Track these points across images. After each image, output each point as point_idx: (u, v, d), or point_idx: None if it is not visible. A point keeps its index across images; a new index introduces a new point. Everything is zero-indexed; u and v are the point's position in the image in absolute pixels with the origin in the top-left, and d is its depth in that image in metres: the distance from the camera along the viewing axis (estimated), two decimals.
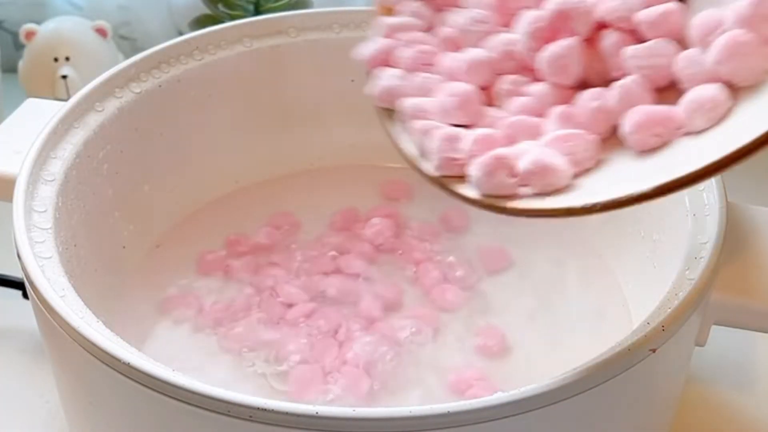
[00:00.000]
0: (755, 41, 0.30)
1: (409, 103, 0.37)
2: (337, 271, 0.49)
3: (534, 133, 0.34)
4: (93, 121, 0.46)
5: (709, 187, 0.42)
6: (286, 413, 0.32)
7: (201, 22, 0.71)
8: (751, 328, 0.41)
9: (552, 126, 0.34)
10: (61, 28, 0.67)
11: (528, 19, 0.35)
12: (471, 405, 0.32)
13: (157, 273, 0.49)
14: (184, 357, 0.45)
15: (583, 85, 0.35)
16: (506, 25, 0.37)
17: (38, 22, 0.67)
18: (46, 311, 0.37)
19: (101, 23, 0.67)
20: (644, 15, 0.33)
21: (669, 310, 0.36)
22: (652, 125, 0.31)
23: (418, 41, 0.38)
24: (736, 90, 0.31)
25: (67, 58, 0.66)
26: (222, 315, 0.47)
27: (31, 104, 0.50)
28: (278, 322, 0.46)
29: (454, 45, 0.38)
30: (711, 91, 0.31)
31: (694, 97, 0.31)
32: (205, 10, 0.71)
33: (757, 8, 0.30)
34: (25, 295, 0.51)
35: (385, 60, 0.39)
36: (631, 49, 0.33)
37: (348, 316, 0.46)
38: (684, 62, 0.32)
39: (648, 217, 0.46)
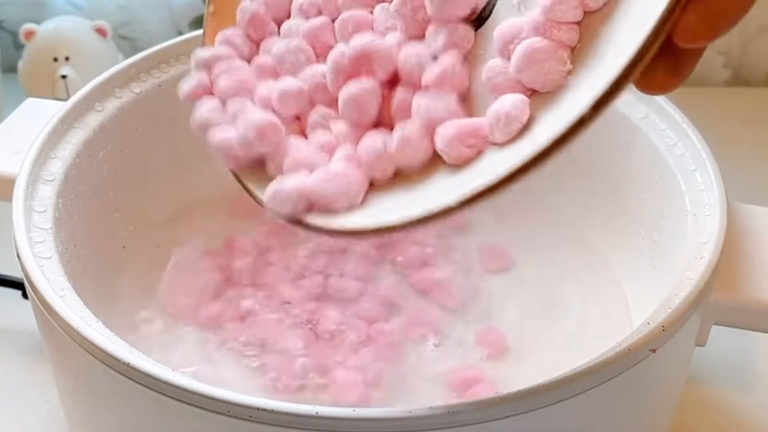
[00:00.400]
0: (550, 47, 0.31)
1: (213, 136, 0.36)
2: (338, 271, 0.49)
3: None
4: (93, 121, 0.46)
5: (709, 187, 0.42)
6: (286, 413, 0.32)
7: (201, 21, 0.71)
8: (751, 328, 0.41)
9: (335, 165, 0.34)
10: (61, 28, 0.67)
11: (332, 55, 0.36)
12: (471, 405, 0.32)
13: (157, 273, 0.49)
14: (184, 357, 0.45)
15: (379, 125, 0.35)
16: (323, 56, 0.37)
17: (38, 22, 0.67)
18: (46, 311, 0.37)
19: (101, 23, 0.67)
20: (426, 76, 0.33)
21: (669, 310, 0.36)
22: (465, 137, 0.32)
23: (235, 69, 0.38)
24: (539, 96, 0.31)
25: (67, 58, 0.66)
26: (222, 315, 0.47)
27: (31, 104, 0.50)
28: (278, 323, 0.46)
29: (272, 74, 0.38)
30: (507, 106, 0.31)
31: (493, 110, 0.31)
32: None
33: (548, 14, 0.31)
34: (25, 295, 0.51)
35: (205, 94, 0.38)
36: (416, 98, 0.33)
37: (348, 316, 0.46)
38: (490, 72, 0.32)
39: (648, 217, 0.46)
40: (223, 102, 0.37)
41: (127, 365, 0.33)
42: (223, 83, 0.37)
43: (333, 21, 0.38)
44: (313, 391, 0.43)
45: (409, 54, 0.34)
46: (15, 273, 0.53)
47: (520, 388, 0.33)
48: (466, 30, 0.34)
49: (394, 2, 0.35)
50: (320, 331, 0.46)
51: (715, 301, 0.39)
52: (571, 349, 0.45)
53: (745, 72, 0.73)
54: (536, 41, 0.31)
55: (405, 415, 0.32)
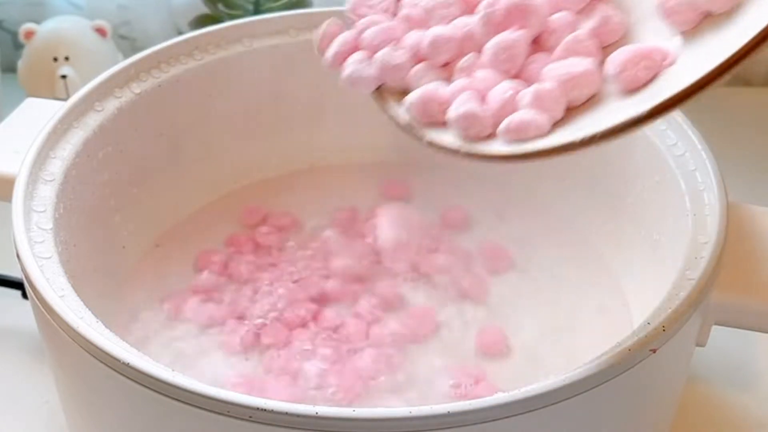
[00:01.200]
0: None
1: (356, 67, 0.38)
2: (337, 271, 0.49)
3: None
4: (93, 121, 0.46)
5: (709, 187, 0.42)
6: (286, 413, 0.32)
7: (201, 22, 0.71)
8: (751, 328, 0.41)
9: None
10: (61, 27, 0.67)
11: (484, 4, 0.37)
12: (471, 405, 0.32)
13: (157, 273, 0.49)
14: (184, 357, 0.45)
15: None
16: (469, 12, 0.39)
17: (37, 22, 0.67)
18: (46, 311, 0.37)
19: (101, 23, 0.67)
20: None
21: (669, 310, 0.36)
22: (639, 59, 0.33)
23: (380, 20, 0.39)
24: (714, 19, 0.32)
25: (67, 58, 0.66)
26: (222, 315, 0.47)
27: (31, 104, 0.50)
28: (278, 322, 0.46)
29: (420, 25, 0.39)
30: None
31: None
32: (205, 10, 0.71)
33: None
34: (25, 295, 0.51)
35: (348, 53, 0.40)
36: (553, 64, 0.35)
37: (348, 316, 0.46)
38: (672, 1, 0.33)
39: (648, 217, 0.46)
40: (370, 51, 0.39)
41: (127, 365, 0.33)
42: (370, 31, 0.39)
43: None
44: (313, 391, 0.43)
45: (558, 22, 0.36)
46: (15, 273, 0.53)
47: (520, 388, 0.33)
48: (619, 17, 0.35)
49: None
50: (320, 330, 0.46)
51: (715, 301, 0.39)
52: (571, 349, 0.45)
53: (745, 72, 0.73)
54: None
55: (405, 415, 0.32)
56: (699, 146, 0.44)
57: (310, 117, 0.55)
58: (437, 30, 0.38)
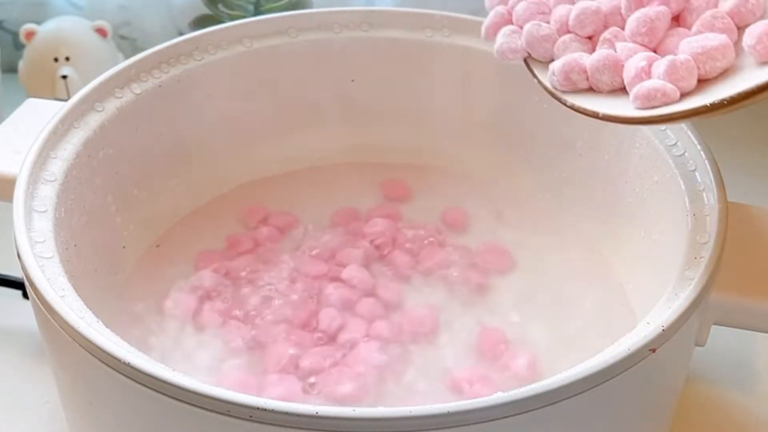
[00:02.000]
0: None
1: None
2: (337, 270, 0.49)
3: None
4: (93, 121, 0.46)
5: (709, 187, 0.42)
6: (286, 413, 0.32)
7: (201, 22, 0.71)
8: (751, 328, 0.41)
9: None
10: (61, 28, 0.67)
11: None
12: (471, 405, 0.32)
13: (157, 273, 0.49)
14: (184, 356, 0.45)
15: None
16: None
17: (38, 22, 0.67)
18: (46, 311, 0.37)
19: (101, 23, 0.67)
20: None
21: (669, 310, 0.36)
22: None
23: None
24: None
25: (67, 58, 0.66)
26: (222, 315, 0.47)
27: (31, 104, 0.50)
28: (278, 322, 0.46)
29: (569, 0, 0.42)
30: None
31: None
32: (205, 10, 0.71)
33: None
34: (25, 295, 0.51)
35: (502, 24, 0.43)
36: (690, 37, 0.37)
37: (348, 315, 0.46)
38: None
39: (648, 217, 0.46)
40: (520, 24, 0.42)
41: (128, 365, 0.33)
42: (520, 7, 0.42)
43: None
44: (313, 391, 0.43)
45: (699, 1, 0.37)
46: (15, 273, 0.53)
47: (520, 388, 0.33)
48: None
49: None
50: (320, 330, 0.46)
51: (715, 301, 0.39)
52: (571, 349, 0.45)
53: None
54: None
55: (405, 414, 0.32)
56: (698, 146, 0.44)
57: (310, 117, 0.55)
58: (583, 4, 0.40)
